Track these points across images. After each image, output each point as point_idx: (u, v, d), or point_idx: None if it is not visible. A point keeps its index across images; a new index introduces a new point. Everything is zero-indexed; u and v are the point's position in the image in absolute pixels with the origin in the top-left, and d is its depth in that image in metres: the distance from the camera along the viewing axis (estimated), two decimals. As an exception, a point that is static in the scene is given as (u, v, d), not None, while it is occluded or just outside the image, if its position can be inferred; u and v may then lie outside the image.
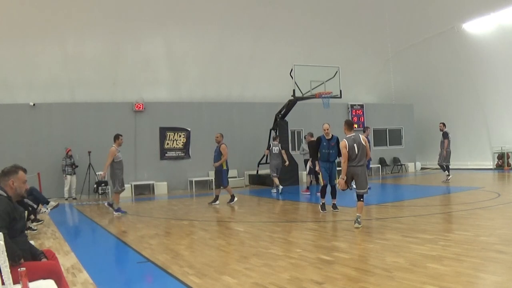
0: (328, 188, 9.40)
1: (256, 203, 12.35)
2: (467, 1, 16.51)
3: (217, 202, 11.57)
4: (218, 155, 11.40)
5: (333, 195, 9.46)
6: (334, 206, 9.35)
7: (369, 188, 7.82)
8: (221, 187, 11.67)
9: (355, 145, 7.43)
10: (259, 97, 18.76)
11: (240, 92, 18.96)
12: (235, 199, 11.60)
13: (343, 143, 7.46)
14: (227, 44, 17.15)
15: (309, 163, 13.37)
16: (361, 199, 7.41)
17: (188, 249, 6.46)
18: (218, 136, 11.62)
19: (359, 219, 7.32)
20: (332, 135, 9.55)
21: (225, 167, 11.43)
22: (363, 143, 7.46)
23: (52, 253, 3.85)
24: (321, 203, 9.35)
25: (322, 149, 9.45)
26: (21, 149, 13.86)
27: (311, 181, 14.17)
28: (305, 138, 15.33)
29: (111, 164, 10.16)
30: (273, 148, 14.20)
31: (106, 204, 10.96)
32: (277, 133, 15.88)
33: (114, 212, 10.33)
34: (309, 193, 13.35)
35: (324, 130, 9.57)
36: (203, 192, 15.53)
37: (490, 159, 19.46)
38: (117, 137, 10.42)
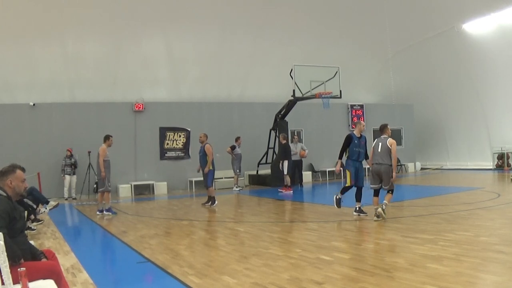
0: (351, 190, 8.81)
1: (256, 203, 12.36)
2: (467, 1, 16.49)
3: (212, 203, 11.39)
4: (203, 155, 11.32)
5: (359, 197, 8.68)
6: (361, 211, 8.55)
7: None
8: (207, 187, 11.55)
9: (380, 143, 8.12)
10: (259, 97, 18.75)
11: (240, 92, 18.96)
12: (216, 202, 11.32)
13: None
14: (227, 44, 17.14)
15: (285, 163, 14.03)
16: (390, 192, 8.07)
17: (188, 249, 6.46)
18: (201, 136, 11.57)
19: (384, 207, 7.90)
20: (361, 134, 8.97)
21: (211, 168, 11.28)
22: (388, 145, 8.01)
23: (52, 253, 3.84)
24: (338, 197, 8.76)
25: (353, 147, 8.71)
26: (21, 149, 13.83)
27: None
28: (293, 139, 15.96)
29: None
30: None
31: (97, 212, 10.50)
32: (277, 133, 15.93)
33: (105, 212, 10.25)
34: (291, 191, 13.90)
35: (363, 126, 9.05)
36: (203, 192, 15.48)
37: (490, 159, 19.46)
38: (107, 138, 10.50)
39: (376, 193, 8.15)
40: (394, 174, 8.10)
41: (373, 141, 8.58)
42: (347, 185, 8.78)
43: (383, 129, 8.35)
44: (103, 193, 10.33)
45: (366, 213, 8.50)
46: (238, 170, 15.66)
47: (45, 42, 14.53)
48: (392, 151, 7.97)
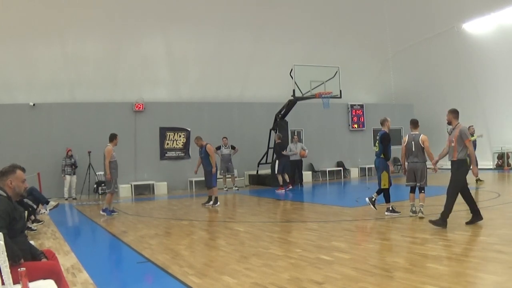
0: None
1: (256, 203, 12.35)
2: (467, 1, 16.49)
3: (214, 202, 11.33)
4: (206, 156, 11.26)
5: (388, 198, 8.69)
6: (394, 210, 8.50)
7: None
8: (211, 187, 11.43)
9: (413, 142, 8.10)
10: (259, 97, 18.75)
11: (240, 92, 18.95)
12: (218, 203, 11.29)
13: (404, 138, 8.36)
14: (227, 44, 17.12)
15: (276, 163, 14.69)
16: (422, 191, 8.05)
17: (188, 249, 6.46)
18: (197, 140, 11.57)
19: (422, 209, 7.87)
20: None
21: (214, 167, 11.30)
22: (420, 143, 8.06)
23: (52, 253, 3.85)
24: (373, 199, 8.75)
25: (391, 146, 8.66)
26: (21, 149, 13.83)
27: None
28: (293, 138, 16.11)
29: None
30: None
31: (101, 212, 10.46)
32: (277, 132, 15.94)
33: (103, 212, 10.18)
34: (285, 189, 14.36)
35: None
36: (203, 192, 15.50)
37: (490, 159, 19.45)
38: (114, 137, 10.29)
39: (412, 189, 8.26)
40: (435, 167, 7.92)
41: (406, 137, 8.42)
42: (384, 187, 8.58)
43: (415, 124, 8.40)
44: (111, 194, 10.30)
45: (399, 212, 8.42)
46: (222, 171, 15.34)
47: (45, 42, 14.52)
48: (425, 148, 8.08)
